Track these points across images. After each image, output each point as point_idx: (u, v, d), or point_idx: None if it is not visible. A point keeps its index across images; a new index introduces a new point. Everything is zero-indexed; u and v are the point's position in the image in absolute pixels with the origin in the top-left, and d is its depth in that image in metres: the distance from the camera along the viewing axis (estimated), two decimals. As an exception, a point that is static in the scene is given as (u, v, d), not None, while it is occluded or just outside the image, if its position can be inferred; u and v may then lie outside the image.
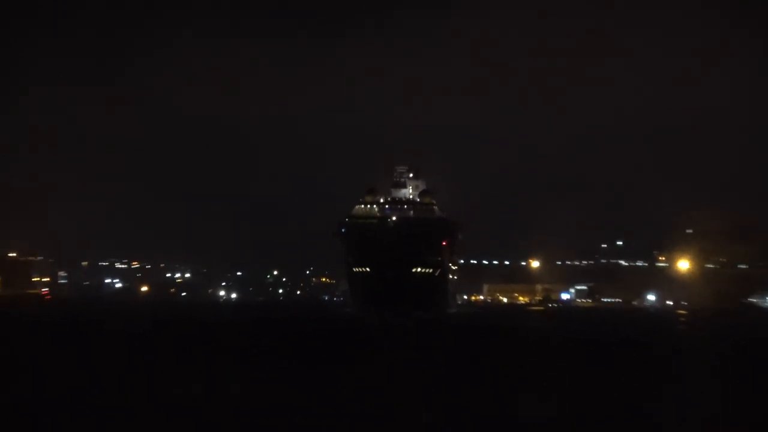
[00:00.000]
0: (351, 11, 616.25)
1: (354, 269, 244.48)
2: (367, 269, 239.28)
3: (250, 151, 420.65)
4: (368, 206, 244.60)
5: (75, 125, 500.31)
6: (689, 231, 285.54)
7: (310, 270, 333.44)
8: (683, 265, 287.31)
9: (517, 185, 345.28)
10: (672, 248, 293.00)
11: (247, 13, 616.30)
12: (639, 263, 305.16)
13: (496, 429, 54.58)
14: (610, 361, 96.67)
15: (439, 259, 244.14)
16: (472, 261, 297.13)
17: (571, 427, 53.26)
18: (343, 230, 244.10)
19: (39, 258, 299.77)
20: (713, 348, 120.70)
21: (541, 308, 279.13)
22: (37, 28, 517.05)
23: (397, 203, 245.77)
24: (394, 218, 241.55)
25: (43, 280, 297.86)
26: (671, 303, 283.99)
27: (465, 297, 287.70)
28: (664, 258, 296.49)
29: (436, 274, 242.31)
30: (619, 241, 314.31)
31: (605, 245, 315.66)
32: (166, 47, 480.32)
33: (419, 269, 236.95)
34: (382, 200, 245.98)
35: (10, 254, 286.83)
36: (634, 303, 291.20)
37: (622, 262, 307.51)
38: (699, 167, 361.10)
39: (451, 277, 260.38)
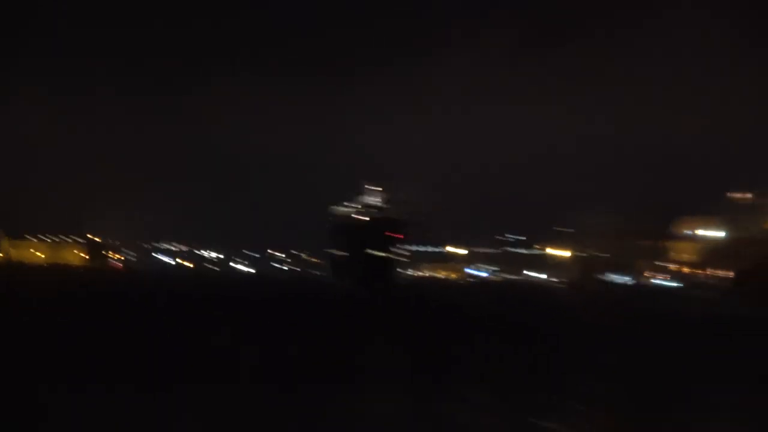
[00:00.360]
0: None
1: (333, 252, 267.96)
2: (343, 253, 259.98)
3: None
4: (346, 208, 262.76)
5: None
6: (570, 230, 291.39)
7: (305, 252, 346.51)
8: (562, 253, 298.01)
9: (453, 195, 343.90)
10: (556, 241, 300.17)
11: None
12: (534, 250, 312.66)
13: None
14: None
15: (392, 245, 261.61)
16: (418, 248, 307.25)
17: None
18: (327, 225, 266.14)
19: (114, 240, 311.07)
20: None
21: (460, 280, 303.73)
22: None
23: (365, 206, 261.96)
24: (363, 217, 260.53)
25: (116, 256, 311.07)
26: (551, 278, 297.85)
27: (410, 272, 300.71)
28: (548, 248, 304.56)
29: (390, 256, 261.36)
30: (522, 236, 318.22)
31: (510, 237, 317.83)
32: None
33: (378, 253, 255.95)
34: (355, 204, 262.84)
35: (96, 238, 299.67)
36: (527, 279, 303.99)
37: (522, 250, 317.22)
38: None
39: (401, 258, 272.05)
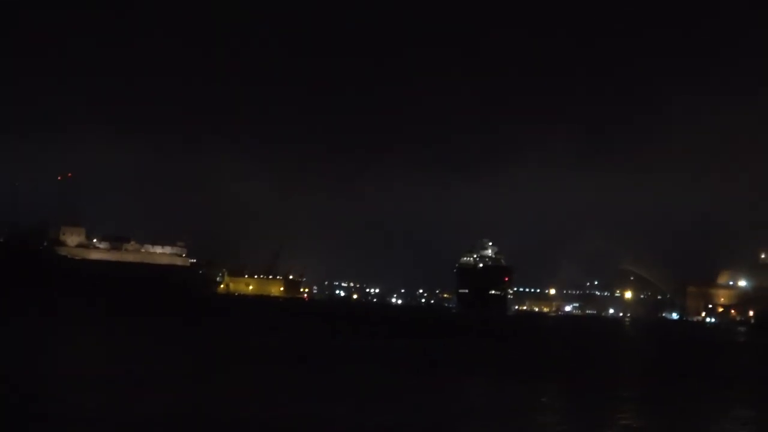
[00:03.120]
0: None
1: (460, 290, 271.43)
2: (467, 290, 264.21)
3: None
4: (468, 258, 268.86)
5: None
6: (632, 278, 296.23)
7: (440, 289, 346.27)
8: (628, 294, 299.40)
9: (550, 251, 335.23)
10: (624, 286, 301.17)
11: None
12: (606, 293, 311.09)
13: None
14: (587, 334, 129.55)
15: (503, 286, 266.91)
16: (521, 288, 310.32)
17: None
18: (455, 270, 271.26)
19: (303, 278, 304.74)
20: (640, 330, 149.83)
21: (552, 314, 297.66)
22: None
23: (483, 257, 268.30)
24: (480, 265, 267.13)
25: (304, 290, 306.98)
26: (621, 314, 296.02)
27: (515, 307, 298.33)
28: (619, 291, 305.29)
29: (501, 294, 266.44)
30: (596, 281, 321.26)
31: (588, 282, 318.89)
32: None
33: (493, 291, 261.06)
34: (475, 255, 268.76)
35: (291, 276, 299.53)
36: (603, 313, 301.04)
37: (597, 292, 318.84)
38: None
39: (509, 296, 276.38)
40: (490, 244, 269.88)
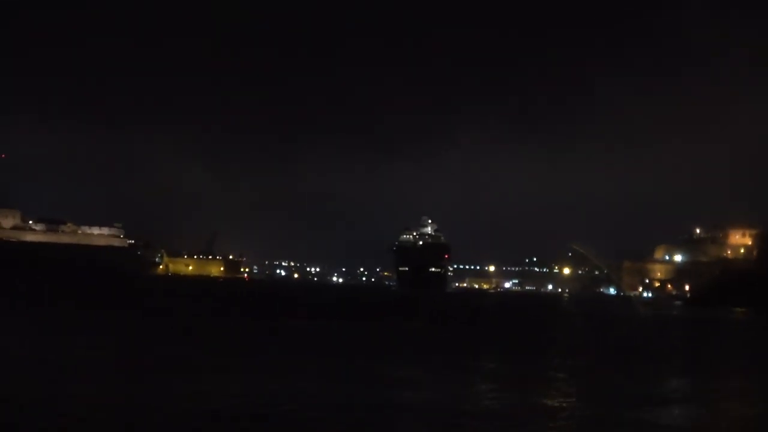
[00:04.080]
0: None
1: (399, 268, 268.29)
2: (407, 269, 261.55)
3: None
4: (407, 236, 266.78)
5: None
6: (570, 254, 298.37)
7: (380, 268, 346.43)
8: (566, 270, 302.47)
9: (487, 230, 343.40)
10: (561, 263, 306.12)
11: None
12: (545, 270, 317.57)
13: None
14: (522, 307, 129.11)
15: (442, 263, 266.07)
16: (460, 266, 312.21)
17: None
18: (394, 248, 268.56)
19: (243, 259, 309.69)
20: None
21: (492, 290, 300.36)
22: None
23: (422, 235, 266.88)
24: (420, 242, 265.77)
25: (244, 270, 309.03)
26: (559, 290, 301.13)
27: (455, 284, 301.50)
28: (557, 267, 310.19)
29: (441, 271, 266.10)
30: (535, 257, 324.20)
31: (527, 259, 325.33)
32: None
33: (432, 269, 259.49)
34: (415, 233, 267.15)
35: (231, 257, 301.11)
36: (541, 290, 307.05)
37: (535, 269, 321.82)
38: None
39: (448, 273, 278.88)
40: (429, 221, 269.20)
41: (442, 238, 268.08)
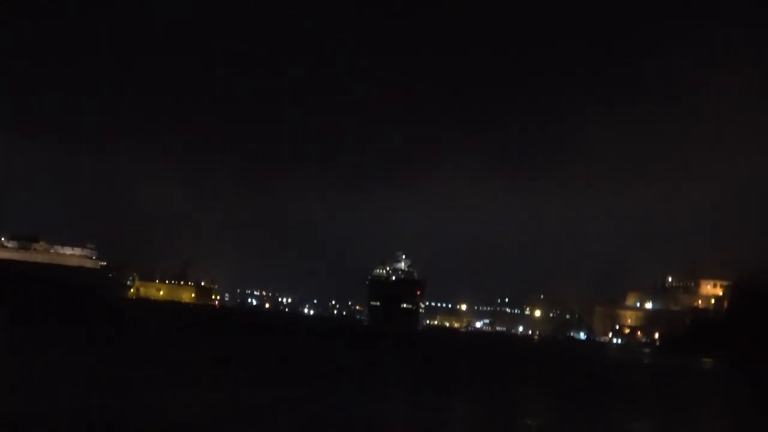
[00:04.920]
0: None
1: (371, 303, 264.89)
2: (378, 303, 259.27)
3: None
4: (380, 270, 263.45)
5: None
6: (542, 296, 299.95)
7: (352, 301, 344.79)
8: (537, 312, 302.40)
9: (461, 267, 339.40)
10: (533, 304, 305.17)
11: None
12: (516, 311, 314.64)
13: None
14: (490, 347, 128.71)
15: (415, 300, 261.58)
16: (433, 303, 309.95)
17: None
18: (367, 282, 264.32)
19: (215, 286, 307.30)
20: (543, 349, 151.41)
21: (463, 329, 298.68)
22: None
23: (395, 270, 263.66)
24: (393, 278, 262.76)
25: (216, 297, 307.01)
26: (530, 332, 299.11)
27: (427, 321, 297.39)
28: (529, 309, 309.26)
29: (413, 308, 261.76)
30: (507, 298, 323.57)
31: (499, 300, 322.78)
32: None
33: (404, 305, 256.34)
34: (388, 268, 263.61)
35: (203, 283, 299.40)
36: (512, 330, 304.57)
37: (507, 309, 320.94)
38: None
39: (420, 310, 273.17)
40: (403, 256, 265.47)
41: (416, 274, 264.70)
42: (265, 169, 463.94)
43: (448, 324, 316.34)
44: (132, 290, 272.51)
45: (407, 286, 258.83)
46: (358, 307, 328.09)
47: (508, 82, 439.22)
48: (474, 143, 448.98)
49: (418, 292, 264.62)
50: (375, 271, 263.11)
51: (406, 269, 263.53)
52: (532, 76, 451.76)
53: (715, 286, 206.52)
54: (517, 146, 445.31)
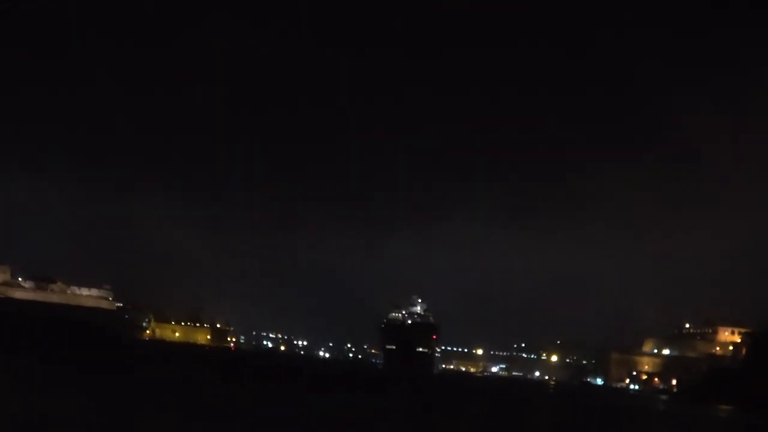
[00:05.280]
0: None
1: (386, 346, 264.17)
2: (394, 347, 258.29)
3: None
4: (396, 314, 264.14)
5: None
6: (558, 342, 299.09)
7: (367, 344, 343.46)
8: (554, 358, 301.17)
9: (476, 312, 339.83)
10: (549, 350, 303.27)
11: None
12: (533, 356, 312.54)
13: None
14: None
15: (430, 344, 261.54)
16: (448, 347, 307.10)
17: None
18: (382, 326, 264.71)
19: (230, 328, 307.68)
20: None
21: (479, 374, 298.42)
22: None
23: (411, 314, 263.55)
24: (408, 321, 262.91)
25: (231, 339, 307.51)
26: (546, 377, 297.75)
27: (442, 366, 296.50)
28: (545, 354, 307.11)
29: (429, 352, 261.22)
30: (523, 343, 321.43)
31: (515, 345, 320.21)
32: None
33: (420, 349, 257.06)
34: (404, 311, 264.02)
35: (218, 325, 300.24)
36: (528, 376, 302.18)
37: (523, 354, 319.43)
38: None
39: (436, 354, 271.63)
40: (419, 300, 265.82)
41: (431, 318, 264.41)
42: (282, 212, 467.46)
43: (464, 368, 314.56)
44: (148, 331, 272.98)
45: (423, 329, 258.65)
46: (373, 351, 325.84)
47: (525, 130, 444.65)
48: (490, 190, 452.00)
49: (434, 337, 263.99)
50: (390, 314, 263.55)
51: (422, 313, 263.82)
52: (552, 124, 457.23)
53: (732, 333, 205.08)
54: (533, 193, 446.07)
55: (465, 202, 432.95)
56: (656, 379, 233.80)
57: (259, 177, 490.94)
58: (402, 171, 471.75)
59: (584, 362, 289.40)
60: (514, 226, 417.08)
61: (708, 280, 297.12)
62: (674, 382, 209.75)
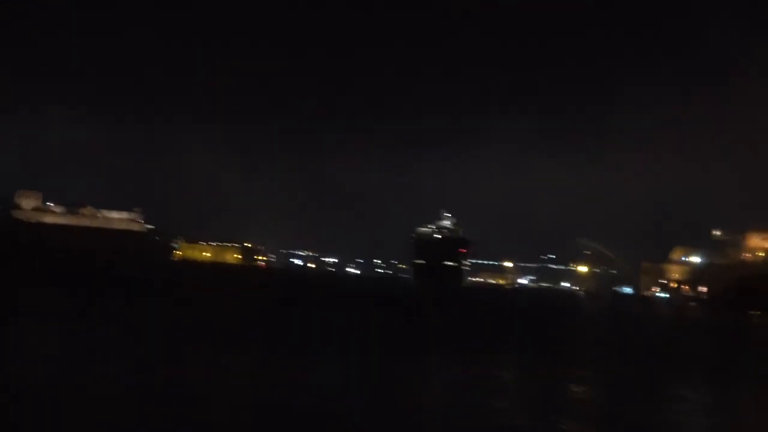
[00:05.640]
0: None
1: (415, 261, 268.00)
2: (423, 261, 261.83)
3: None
4: (425, 229, 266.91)
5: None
6: (587, 252, 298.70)
7: (397, 260, 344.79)
8: (583, 268, 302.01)
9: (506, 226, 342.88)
10: (579, 261, 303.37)
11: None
12: (561, 267, 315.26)
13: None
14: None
15: (459, 258, 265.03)
16: (477, 261, 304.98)
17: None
18: (411, 240, 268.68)
19: (261, 247, 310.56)
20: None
21: (508, 286, 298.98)
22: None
23: (440, 228, 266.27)
24: (438, 236, 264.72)
25: (261, 258, 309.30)
26: (575, 287, 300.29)
27: (471, 279, 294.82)
28: (574, 265, 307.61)
29: (457, 266, 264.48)
30: (553, 255, 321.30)
31: (544, 256, 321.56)
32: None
33: (448, 263, 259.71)
34: (433, 226, 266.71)
35: (246, 244, 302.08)
36: (557, 287, 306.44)
37: (553, 266, 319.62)
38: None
39: (465, 268, 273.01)
40: (449, 215, 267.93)
41: (461, 232, 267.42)
42: (317, 134, 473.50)
43: (493, 281, 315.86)
44: (178, 252, 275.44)
45: (452, 243, 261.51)
46: (403, 266, 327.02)
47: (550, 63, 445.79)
48: (523, 109, 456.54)
49: (463, 250, 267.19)
50: (419, 229, 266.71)
51: (451, 227, 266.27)
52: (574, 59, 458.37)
53: (764, 239, 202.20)
54: (566, 113, 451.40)
55: (499, 124, 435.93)
56: (685, 287, 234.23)
57: (289, 103, 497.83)
58: (431, 93, 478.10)
59: (614, 272, 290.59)
60: (544, 144, 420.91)
61: (737, 186, 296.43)
62: (704, 289, 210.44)
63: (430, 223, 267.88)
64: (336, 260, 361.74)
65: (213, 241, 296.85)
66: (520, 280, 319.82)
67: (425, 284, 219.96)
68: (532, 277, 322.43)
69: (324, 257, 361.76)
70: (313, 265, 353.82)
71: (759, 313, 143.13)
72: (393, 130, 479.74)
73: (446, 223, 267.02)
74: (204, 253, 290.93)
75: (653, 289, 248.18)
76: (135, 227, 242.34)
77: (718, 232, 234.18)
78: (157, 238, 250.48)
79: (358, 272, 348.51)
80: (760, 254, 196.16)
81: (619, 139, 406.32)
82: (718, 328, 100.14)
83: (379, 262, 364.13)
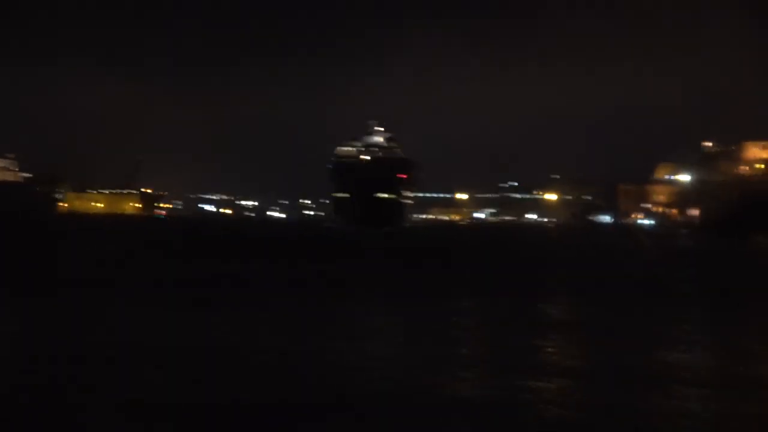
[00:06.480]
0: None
1: (336, 195, 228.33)
2: (347, 195, 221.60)
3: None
4: (349, 148, 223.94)
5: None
6: (556, 176, 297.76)
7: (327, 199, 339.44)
8: (551, 196, 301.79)
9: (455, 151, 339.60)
10: (547, 188, 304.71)
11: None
12: (525, 196, 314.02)
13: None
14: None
15: (399, 188, 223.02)
16: (425, 194, 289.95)
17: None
18: (330, 166, 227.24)
19: (165, 193, 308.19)
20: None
21: (463, 223, 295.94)
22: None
23: (369, 147, 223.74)
24: (367, 157, 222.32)
25: (164, 205, 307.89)
26: (544, 219, 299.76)
27: (419, 216, 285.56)
28: (542, 193, 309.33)
29: (396, 198, 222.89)
30: (514, 182, 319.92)
31: (504, 184, 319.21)
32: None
33: (383, 194, 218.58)
34: (359, 144, 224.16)
35: (146, 190, 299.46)
36: (522, 220, 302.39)
37: (516, 195, 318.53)
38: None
39: (407, 201, 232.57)
40: (380, 129, 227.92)
41: (400, 151, 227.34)
42: (220, 61, 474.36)
43: (446, 217, 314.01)
44: (64, 204, 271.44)
45: (387, 166, 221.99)
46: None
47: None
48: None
49: (404, 176, 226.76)
50: (340, 148, 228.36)
51: (386, 144, 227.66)
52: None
53: (764, 148, 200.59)
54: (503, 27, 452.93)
55: (422, 38, 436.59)
56: (674, 211, 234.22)
57: (190, 29, 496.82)
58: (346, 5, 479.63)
59: (588, 198, 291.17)
60: (494, 56, 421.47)
61: (729, 93, 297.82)
62: (696, 212, 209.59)
63: (357, 141, 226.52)
64: (256, 203, 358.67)
65: (109, 189, 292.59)
66: (476, 215, 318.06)
67: (350, 227, 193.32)
68: (491, 210, 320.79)
69: (241, 200, 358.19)
70: (230, 211, 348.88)
71: (763, 237, 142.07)
72: (303, 51, 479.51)
73: (378, 139, 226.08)
74: (96, 204, 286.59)
75: (635, 216, 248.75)
76: (9, 176, 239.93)
77: (708, 144, 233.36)
78: (37, 188, 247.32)
79: (283, 216, 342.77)
80: (759, 166, 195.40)
81: (585, 46, 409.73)
82: (720, 255, 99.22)
83: (308, 202, 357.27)
